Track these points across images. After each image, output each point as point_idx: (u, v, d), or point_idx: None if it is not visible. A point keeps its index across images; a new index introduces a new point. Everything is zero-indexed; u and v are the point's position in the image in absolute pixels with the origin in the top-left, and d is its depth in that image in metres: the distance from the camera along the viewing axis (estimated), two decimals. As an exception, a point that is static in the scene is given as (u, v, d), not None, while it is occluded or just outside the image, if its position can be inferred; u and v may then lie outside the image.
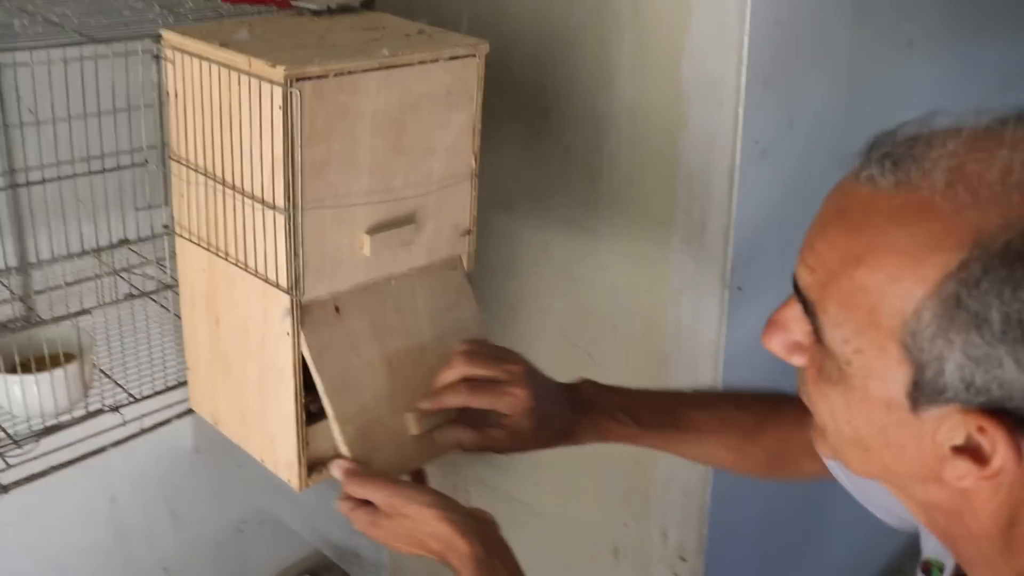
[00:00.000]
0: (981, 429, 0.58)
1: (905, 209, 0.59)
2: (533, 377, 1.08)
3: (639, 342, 1.53)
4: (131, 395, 1.22)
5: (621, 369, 1.56)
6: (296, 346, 1.04)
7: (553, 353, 1.64)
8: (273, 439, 1.11)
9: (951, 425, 0.60)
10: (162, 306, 1.31)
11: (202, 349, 1.19)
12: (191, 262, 1.15)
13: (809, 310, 0.65)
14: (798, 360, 0.70)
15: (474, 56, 1.08)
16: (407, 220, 1.09)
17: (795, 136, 1.42)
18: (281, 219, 0.98)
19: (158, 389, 1.24)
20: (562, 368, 1.67)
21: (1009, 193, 0.56)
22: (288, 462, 1.10)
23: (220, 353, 1.16)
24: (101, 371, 1.25)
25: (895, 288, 0.58)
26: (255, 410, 1.13)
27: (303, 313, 1.03)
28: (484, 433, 1.06)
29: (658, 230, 1.44)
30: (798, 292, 0.67)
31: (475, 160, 1.14)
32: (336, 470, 1.01)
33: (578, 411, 1.10)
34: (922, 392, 0.60)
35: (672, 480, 1.56)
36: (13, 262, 1.36)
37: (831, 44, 1.46)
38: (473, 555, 0.89)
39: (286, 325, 1.03)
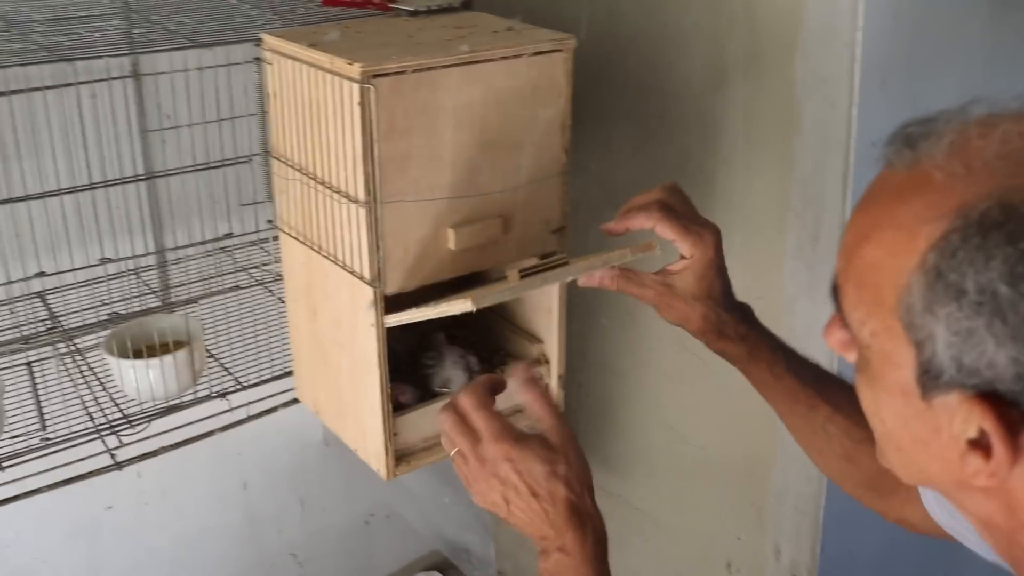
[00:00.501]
0: (984, 419, 0.55)
1: (908, 185, 0.58)
2: (720, 240, 1.03)
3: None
4: (239, 382, 1.27)
5: (736, 376, 1.52)
6: (380, 337, 1.06)
7: (670, 360, 1.62)
8: (364, 429, 1.14)
9: (963, 416, 0.56)
10: (278, 297, 1.37)
11: (304, 340, 1.23)
12: (293, 256, 1.20)
13: (836, 296, 0.64)
14: (851, 356, 0.67)
15: (561, 51, 1.08)
16: (494, 215, 1.10)
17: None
18: (363, 212, 1.01)
19: (265, 378, 1.29)
20: (679, 374, 1.66)
21: (999, 163, 0.55)
22: (377, 452, 1.13)
23: (318, 344, 1.20)
24: (212, 357, 1.31)
25: (893, 262, 0.57)
26: (349, 400, 1.16)
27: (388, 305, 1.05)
28: (632, 276, 1.01)
29: (772, 235, 1.40)
30: (832, 283, 0.64)
31: (565, 156, 1.13)
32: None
33: (736, 310, 1.04)
34: (927, 376, 0.57)
35: (786, 493, 1.51)
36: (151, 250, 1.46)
37: (962, 39, 1.37)
38: (584, 556, 0.82)
39: (370, 317, 1.06)
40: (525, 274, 0.98)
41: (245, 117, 1.33)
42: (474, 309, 0.92)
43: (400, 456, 1.13)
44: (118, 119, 1.38)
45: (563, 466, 0.84)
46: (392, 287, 1.05)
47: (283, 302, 1.27)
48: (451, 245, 1.07)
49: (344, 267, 1.08)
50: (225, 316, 1.36)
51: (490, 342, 1.28)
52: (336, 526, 2.09)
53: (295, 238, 1.17)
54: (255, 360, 1.32)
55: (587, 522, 0.84)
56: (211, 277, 1.42)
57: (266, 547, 2.00)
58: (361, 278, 1.05)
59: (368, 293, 1.05)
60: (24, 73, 1.20)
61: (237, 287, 1.28)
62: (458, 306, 0.94)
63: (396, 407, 1.11)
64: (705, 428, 1.61)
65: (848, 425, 0.99)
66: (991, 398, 0.55)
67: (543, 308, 1.22)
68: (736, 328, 1.04)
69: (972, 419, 0.56)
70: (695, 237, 1.01)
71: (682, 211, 1.03)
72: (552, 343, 1.21)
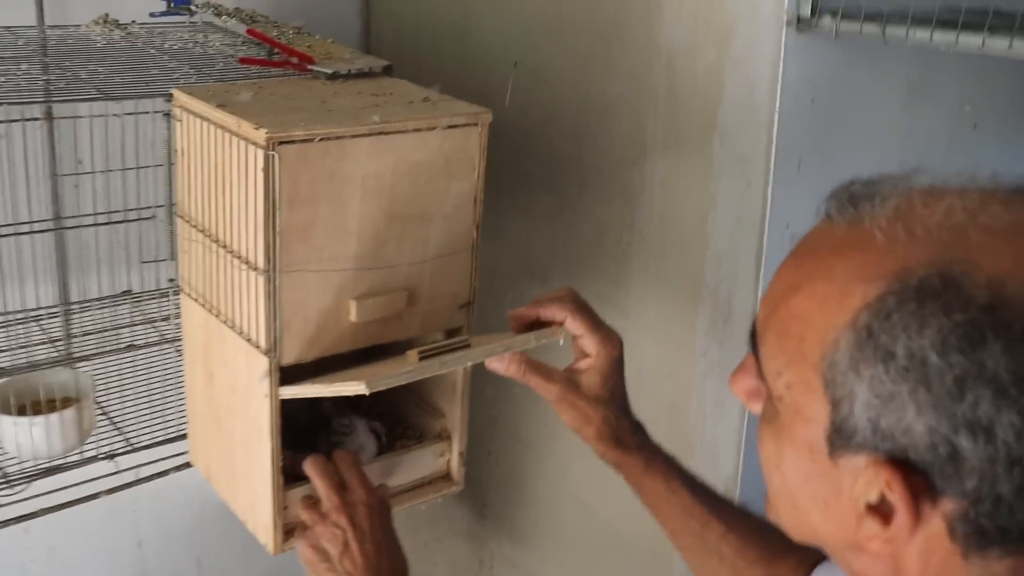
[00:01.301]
0: (888, 485, 0.55)
1: (847, 242, 0.58)
2: (622, 345, 1.04)
3: (662, 426, 1.46)
4: (129, 442, 1.23)
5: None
6: (274, 409, 1.03)
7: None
8: (254, 499, 1.11)
9: (866, 479, 0.56)
10: (178, 353, 1.33)
11: (199, 403, 1.20)
12: (192, 317, 1.17)
13: (754, 344, 0.63)
14: (756, 407, 0.67)
15: (476, 125, 1.08)
16: (399, 288, 1.08)
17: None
18: (261, 280, 0.98)
19: (158, 439, 1.25)
20: (586, 448, 1.64)
21: (942, 233, 0.55)
22: (265, 524, 1.09)
23: (213, 409, 1.16)
24: (106, 416, 1.26)
25: (822, 316, 0.57)
26: (240, 468, 1.12)
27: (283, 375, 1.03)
28: (539, 368, 1.01)
29: (686, 311, 1.40)
30: (751, 329, 0.64)
31: (476, 231, 1.12)
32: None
33: (632, 419, 1.05)
34: (838, 435, 0.57)
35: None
36: (53, 302, 1.41)
37: (878, 124, 1.40)
38: None
39: (264, 387, 1.03)
40: (424, 355, 0.96)
41: (154, 168, 1.30)
42: (367, 392, 0.90)
43: (289, 529, 1.09)
44: (29, 162, 1.34)
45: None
46: (289, 357, 1.02)
47: (178, 361, 1.23)
48: (353, 317, 1.05)
49: (240, 334, 1.05)
50: (119, 373, 1.32)
51: (394, 413, 1.25)
52: (234, 588, 2.02)
53: (195, 299, 1.14)
54: (149, 420, 1.28)
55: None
56: (112, 328, 1.38)
57: (159, 609, 1.93)
58: (257, 347, 1.02)
59: (263, 362, 1.02)
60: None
61: (133, 346, 1.24)
62: (351, 387, 0.91)
63: (293, 478, 1.08)
64: (614, 502, 1.59)
65: (741, 544, 0.98)
66: (900, 464, 0.55)
67: (447, 383, 1.20)
68: (633, 436, 1.04)
69: (876, 483, 0.56)
70: (604, 335, 1.02)
71: (589, 309, 1.04)
72: (455, 418, 1.19)
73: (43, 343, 1.37)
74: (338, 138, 0.97)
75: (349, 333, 1.06)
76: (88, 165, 1.43)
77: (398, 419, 1.24)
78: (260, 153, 0.94)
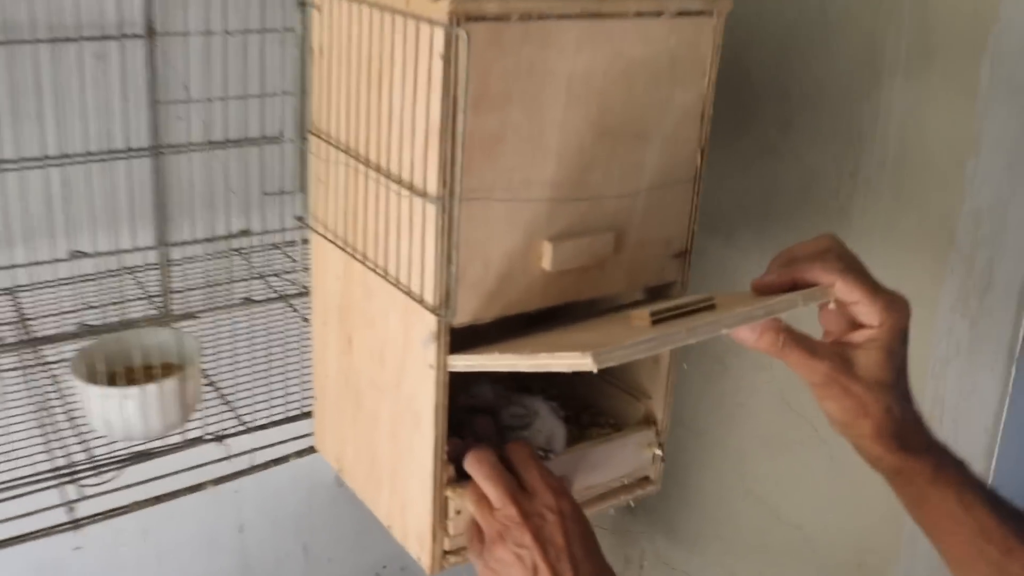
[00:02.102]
0: None
1: None
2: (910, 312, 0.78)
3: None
4: (242, 422, 0.98)
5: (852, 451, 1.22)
6: (440, 383, 0.77)
7: (768, 420, 1.32)
8: (404, 502, 0.85)
9: None
10: (302, 316, 1.07)
11: (331, 376, 0.94)
12: (326, 265, 0.91)
13: None
14: None
15: (711, 15, 0.80)
16: (604, 228, 0.81)
17: None
18: (432, 211, 0.72)
19: (277, 419, 1.00)
20: (777, 438, 1.36)
21: None
22: (420, 534, 0.83)
23: (350, 383, 0.90)
24: (214, 389, 1.02)
25: None
26: (386, 462, 0.87)
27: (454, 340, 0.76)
28: (802, 340, 0.75)
29: (925, 281, 1.10)
30: None
31: (701, 157, 0.84)
32: None
33: (917, 415, 0.79)
34: None
35: (911, 596, 1.21)
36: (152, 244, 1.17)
37: None
38: None
39: (429, 355, 0.76)
40: (659, 318, 0.69)
41: (277, 96, 1.04)
42: (595, 369, 0.63)
43: (456, 535, 0.83)
44: (126, 85, 1.10)
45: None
46: (463, 316, 0.76)
47: (307, 322, 0.98)
48: (546, 264, 0.78)
49: (398, 285, 0.79)
50: (231, 336, 1.07)
51: (575, 394, 0.98)
52: (343, 578, 1.79)
53: (331, 242, 0.88)
54: (266, 395, 1.03)
55: None
56: (218, 284, 1.13)
57: (261, 601, 1.70)
58: (421, 302, 0.76)
59: (429, 323, 0.75)
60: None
61: (249, 300, 0.98)
62: (568, 361, 0.64)
63: (459, 475, 0.82)
64: (805, 505, 1.31)
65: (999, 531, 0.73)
66: None
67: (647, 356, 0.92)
68: (919, 435, 0.77)
69: None
70: (886, 299, 0.74)
71: (861, 268, 0.77)
72: (659, 400, 0.92)
73: (138, 298, 1.13)
74: (541, 18, 0.70)
75: (539, 286, 0.79)
76: (196, 92, 1.18)
77: (582, 402, 0.97)
78: (440, 32, 0.67)
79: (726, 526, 1.44)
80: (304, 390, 1.02)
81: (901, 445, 0.76)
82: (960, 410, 1.11)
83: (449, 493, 0.80)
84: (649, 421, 0.92)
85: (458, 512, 0.81)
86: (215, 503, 1.58)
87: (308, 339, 0.98)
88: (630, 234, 0.83)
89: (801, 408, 1.29)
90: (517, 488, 0.76)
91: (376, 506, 0.90)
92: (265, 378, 1.03)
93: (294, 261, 1.14)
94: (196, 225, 1.16)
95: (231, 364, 1.05)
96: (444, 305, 0.74)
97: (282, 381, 1.02)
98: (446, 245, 0.73)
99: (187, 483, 0.96)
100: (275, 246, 1.16)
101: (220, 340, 1.08)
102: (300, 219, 0.93)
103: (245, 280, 1.13)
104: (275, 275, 1.14)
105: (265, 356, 1.05)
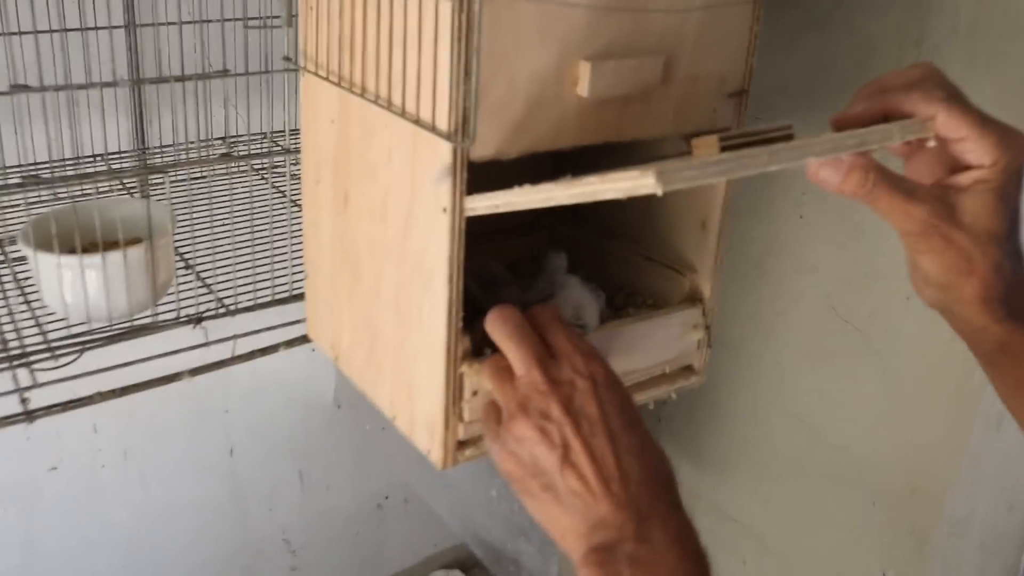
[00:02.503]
0: None
1: None
2: None
3: (944, 323, 1.06)
4: (223, 304, 0.84)
5: (910, 360, 1.09)
6: (456, 231, 0.63)
7: (811, 330, 1.18)
8: (410, 384, 0.71)
9: None
10: (277, 189, 0.93)
11: (324, 246, 0.80)
12: (318, 110, 0.77)
13: None
14: None
15: None
16: (651, 50, 0.67)
17: None
18: (447, 9, 0.58)
19: (263, 301, 0.86)
20: (819, 348, 1.22)
21: None
22: (429, 420, 0.70)
23: (347, 251, 0.77)
24: (185, 264, 0.88)
25: None
26: (389, 337, 0.73)
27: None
28: (896, 180, 0.61)
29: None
30: None
31: (765, -27, 0.70)
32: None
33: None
34: None
35: (969, 524, 1.08)
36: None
37: None
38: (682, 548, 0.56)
39: (443, 196, 0.62)
40: (729, 144, 0.55)
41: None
42: (660, 191, 0.49)
43: (471, 421, 0.69)
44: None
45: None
46: (484, 148, 0.62)
47: (282, 193, 0.83)
48: (583, 90, 0.64)
49: (404, 114, 0.65)
50: (209, 213, 0.93)
51: (607, 271, 0.85)
52: (341, 508, 1.67)
53: (325, 79, 0.74)
54: (251, 276, 0.89)
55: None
56: (201, 162, 0.99)
57: (254, 529, 1.58)
58: (433, 129, 0.62)
59: (443, 153, 0.62)
60: None
61: (229, 155, 0.83)
62: (628, 184, 0.50)
63: (476, 352, 0.68)
64: (852, 424, 1.18)
65: None
66: None
67: (691, 221, 0.79)
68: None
69: None
70: (1000, 134, 0.61)
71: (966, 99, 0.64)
72: (706, 273, 0.78)
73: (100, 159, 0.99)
74: None
75: (573, 117, 0.65)
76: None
77: (615, 283, 0.84)
78: None
79: (761, 449, 1.31)
80: (294, 273, 0.88)
81: (1010, 312, 0.63)
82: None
83: (465, 368, 0.66)
84: (694, 299, 0.79)
85: (475, 393, 0.68)
86: (202, 423, 1.46)
87: (298, 217, 0.84)
88: (680, 62, 0.68)
89: (850, 314, 1.15)
90: (544, 352, 0.62)
91: (377, 394, 0.76)
92: (250, 259, 0.89)
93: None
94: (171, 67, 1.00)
95: (210, 244, 0.91)
96: (461, 130, 0.60)
97: (268, 262, 0.88)
98: (463, 53, 0.59)
99: (159, 373, 0.83)
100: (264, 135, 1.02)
101: (198, 219, 0.94)
102: (288, 59, 0.79)
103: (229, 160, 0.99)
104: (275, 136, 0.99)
105: (249, 236, 0.91)
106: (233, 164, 0.84)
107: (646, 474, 0.58)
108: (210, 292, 0.85)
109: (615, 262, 0.84)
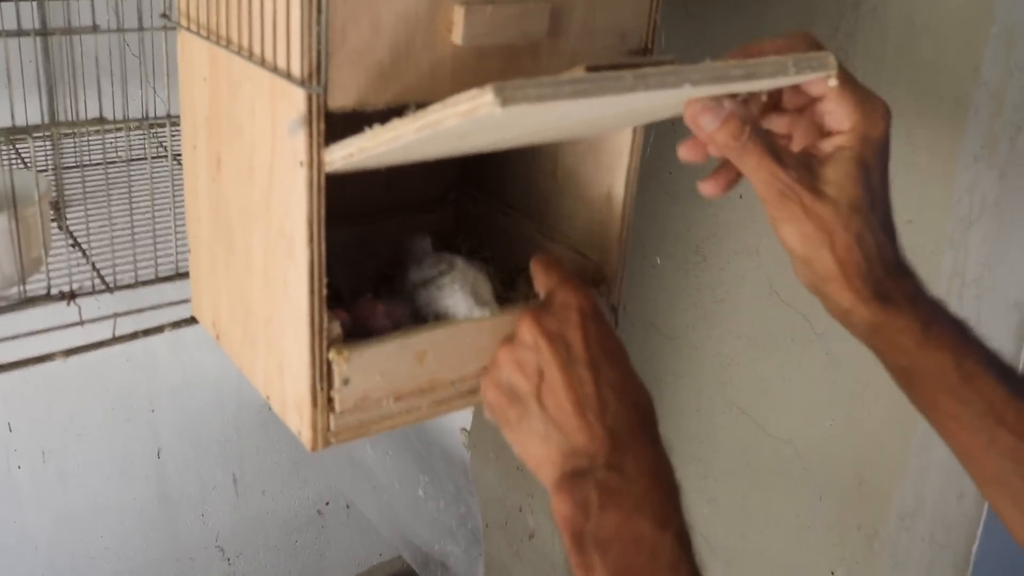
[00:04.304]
0: None
1: None
2: (890, 118, 0.63)
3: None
4: (103, 279, 0.79)
5: (854, 344, 1.05)
6: (315, 186, 0.59)
7: (754, 316, 1.14)
8: (281, 360, 0.67)
9: None
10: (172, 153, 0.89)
11: (203, 215, 0.76)
12: (192, 69, 0.73)
13: None
14: None
15: None
16: (535, -4, 0.63)
17: None
18: (294, -62, 0.54)
19: (145, 279, 0.82)
20: (764, 338, 1.18)
21: None
22: (298, 399, 0.65)
23: (221, 217, 0.72)
24: (71, 237, 0.83)
25: None
26: (260, 311, 0.69)
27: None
28: (768, 137, 0.58)
29: (942, 126, 0.93)
30: None
31: (664, -87, 0.66)
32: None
33: (901, 257, 0.63)
34: None
35: (918, 516, 1.04)
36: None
37: None
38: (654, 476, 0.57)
39: (299, 149, 0.58)
40: (597, 68, 0.51)
41: None
42: (500, 107, 0.45)
43: (342, 412, 0.65)
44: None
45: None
46: (344, 95, 0.58)
47: (178, 162, 0.79)
48: (456, 36, 0.60)
49: (263, 64, 0.60)
50: (93, 185, 0.88)
51: (505, 254, 0.81)
52: (279, 514, 1.62)
53: (196, 33, 0.70)
54: (140, 252, 0.85)
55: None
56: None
57: (185, 536, 1.53)
58: (288, 76, 0.58)
59: (297, 101, 0.57)
60: None
61: (103, 119, 0.78)
62: (467, 106, 0.46)
63: (351, 334, 0.64)
64: (796, 415, 1.14)
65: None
66: None
67: (597, 191, 0.74)
68: (902, 280, 0.62)
69: None
70: (857, 98, 0.60)
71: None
72: (610, 251, 0.74)
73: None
74: None
75: (448, 67, 0.61)
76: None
77: (516, 266, 0.79)
78: None
79: (705, 445, 1.26)
80: (180, 248, 0.84)
81: (877, 292, 0.60)
82: (984, 283, 0.93)
83: (333, 356, 0.62)
84: (597, 280, 0.74)
85: (346, 382, 0.63)
86: (127, 422, 1.41)
87: (181, 193, 0.80)
88: (572, 12, 0.64)
89: (793, 298, 1.11)
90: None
91: (253, 373, 0.72)
92: (141, 234, 0.84)
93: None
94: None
95: (92, 216, 0.86)
96: (315, 75, 0.56)
97: (150, 237, 0.83)
98: (314, -9, 0.54)
99: (26, 355, 0.78)
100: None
101: (72, 189, 0.90)
102: (165, 16, 0.75)
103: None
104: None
105: (138, 210, 0.87)
106: (110, 127, 0.79)
107: (624, 406, 0.58)
108: (89, 263, 0.80)
109: (518, 241, 0.80)
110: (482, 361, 0.67)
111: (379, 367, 0.64)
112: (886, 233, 0.61)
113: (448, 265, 0.73)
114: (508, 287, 0.78)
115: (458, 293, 0.70)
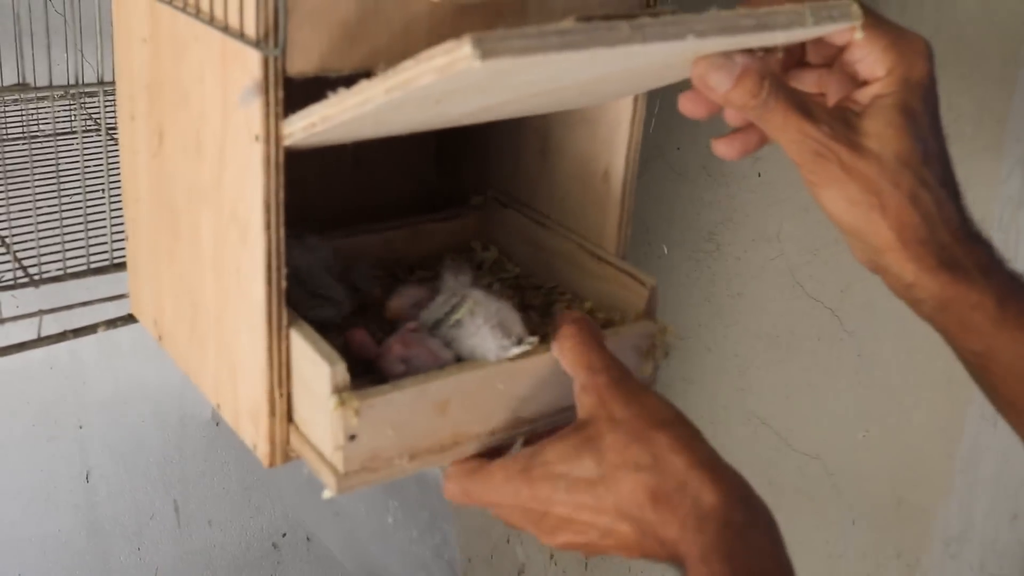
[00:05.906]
0: None
1: None
2: (933, 57, 0.64)
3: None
4: (26, 272, 0.81)
5: (891, 344, 1.08)
6: (272, 164, 0.60)
7: (775, 312, 1.18)
8: (233, 363, 0.69)
9: None
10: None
11: (143, 196, 0.78)
12: (130, 27, 0.75)
13: None
14: None
15: None
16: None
17: None
18: None
19: (76, 271, 0.83)
20: (787, 337, 1.20)
21: None
22: (253, 407, 0.67)
23: (164, 199, 0.74)
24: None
25: None
26: (210, 306, 0.71)
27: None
28: (791, 91, 0.59)
29: (989, 94, 0.95)
30: None
31: None
32: None
33: (967, 217, 0.63)
34: None
35: (965, 541, 1.07)
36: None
37: None
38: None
39: (254, 120, 0.60)
40: (590, 18, 0.53)
41: None
42: (480, 61, 0.47)
43: (347, 473, 0.65)
44: None
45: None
46: (306, 58, 0.59)
47: (111, 138, 0.81)
48: (432, -8, 0.62)
49: (212, 22, 0.62)
50: (15, 166, 0.90)
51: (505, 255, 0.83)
52: (227, 548, 1.64)
53: (132, -12, 0.72)
54: (70, 242, 0.86)
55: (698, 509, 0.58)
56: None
57: (118, 571, 1.55)
58: (241, 36, 0.59)
59: (252, 66, 0.59)
60: None
61: (24, 84, 0.80)
62: (443, 60, 0.48)
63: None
64: (824, 426, 1.18)
65: None
66: None
67: (592, 170, 0.77)
68: (971, 245, 0.61)
69: None
70: (889, 39, 0.61)
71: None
72: (609, 236, 0.76)
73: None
74: None
75: (422, 27, 0.63)
76: None
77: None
78: None
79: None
80: (115, 236, 0.86)
81: (943, 260, 0.60)
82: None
83: (336, 405, 0.62)
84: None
85: (352, 438, 0.63)
86: (51, 441, 1.43)
87: (116, 171, 0.81)
88: (563, -39, 0.66)
89: (819, 291, 1.14)
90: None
91: (201, 377, 0.74)
92: (60, 219, 0.86)
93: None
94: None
95: (13, 198, 0.88)
96: (272, 35, 0.58)
97: (81, 223, 0.85)
98: (270, -62, 0.56)
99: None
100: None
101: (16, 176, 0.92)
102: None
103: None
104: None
105: (56, 190, 0.88)
106: (31, 95, 0.81)
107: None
108: (11, 254, 0.82)
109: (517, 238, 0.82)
110: (515, 410, 0.67)
111: (391, 420, 0.62)
112: (947, 191, 0.61)
113: (460, 298, 0.71)
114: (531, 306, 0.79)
115: (483, 329, 0.68)
